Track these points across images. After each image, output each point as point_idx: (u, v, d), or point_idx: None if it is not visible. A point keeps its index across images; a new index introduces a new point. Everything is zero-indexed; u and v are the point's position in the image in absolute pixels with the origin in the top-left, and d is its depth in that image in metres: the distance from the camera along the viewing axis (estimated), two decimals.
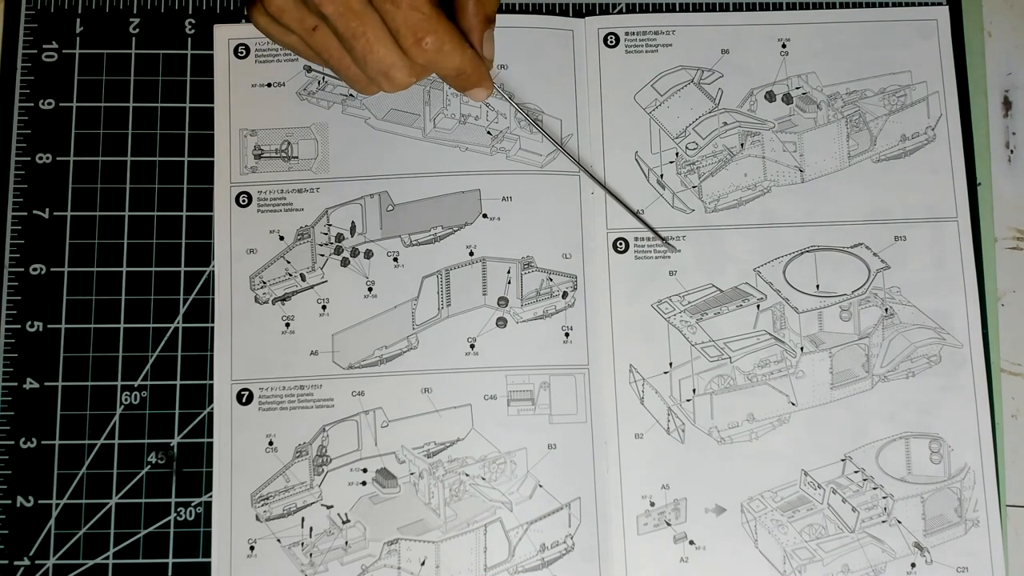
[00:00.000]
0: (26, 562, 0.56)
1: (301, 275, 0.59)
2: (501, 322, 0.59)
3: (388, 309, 0.59)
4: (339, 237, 0.59)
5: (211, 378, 0.58)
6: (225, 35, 0.61)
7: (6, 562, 0.56)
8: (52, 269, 0.59)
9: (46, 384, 0.58)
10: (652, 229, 0.59)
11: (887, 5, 0.62)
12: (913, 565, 0.57)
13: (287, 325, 0.58)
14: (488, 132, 0.60)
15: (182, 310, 0.59)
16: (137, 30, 0.61)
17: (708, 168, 0.61)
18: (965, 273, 0.60)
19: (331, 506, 0.57)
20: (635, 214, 0.59)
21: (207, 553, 0.57)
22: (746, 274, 0.60)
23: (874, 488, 0.58)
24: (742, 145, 0.61)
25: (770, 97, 0.61)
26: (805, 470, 0.58)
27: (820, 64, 0.62)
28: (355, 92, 0.58)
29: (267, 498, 0.57)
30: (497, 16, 0.55)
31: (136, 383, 0.58)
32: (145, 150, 0.60)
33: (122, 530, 0.57)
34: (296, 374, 0.58)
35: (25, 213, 0.59)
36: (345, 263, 0.59)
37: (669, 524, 0.57)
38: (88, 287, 0.59)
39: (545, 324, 0.59)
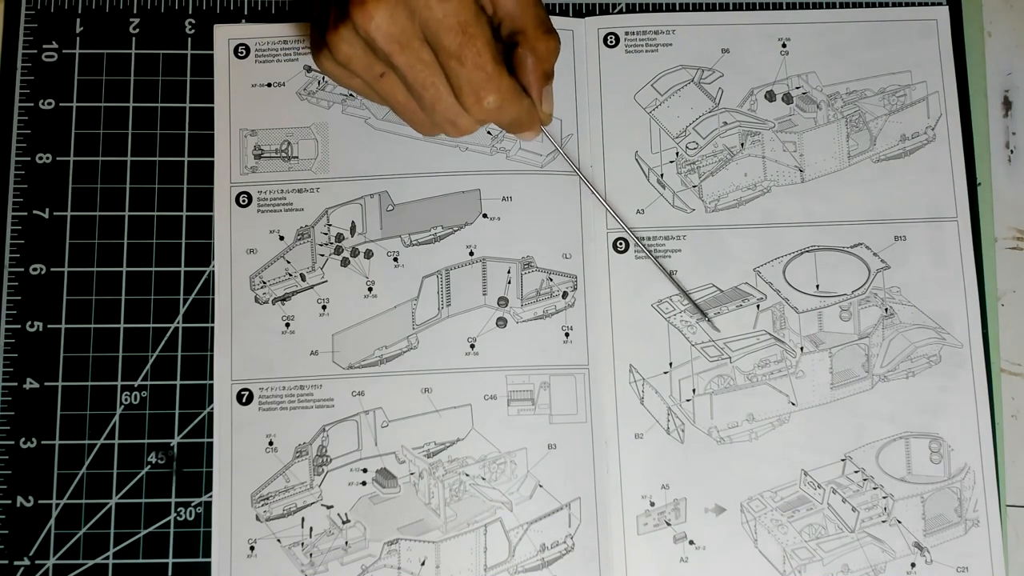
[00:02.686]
0: (26, 562, 0.56)
1: (301, 275, 0.59)
2: (501, 322, 0.59)
3: (388, 309, 0.59)
4: (339, 237, 0.59)
5: (211, 378, 0.58)
6: (225, 35, 0.61)
7: (6, 562, 0.56)
8: (52, 269, 0.59)
9: (46, 384, 0.58)
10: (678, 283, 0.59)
11: (887, 5, 0.62)
12: (913, 565, 0.57)
13: (287, 325, 0.58)
14: (488, 132, 0.60)
15: (182, 310, 0.59)
16: (137, 30, 0.61)
17: (708, 168, 0.61)
18: (965, 273, 0.60)
19: (331, 506, 0.57)
20: (666, 272, 0.59)
21: (207, 553, 0.57)
22: (746, 274, 0.60)
23: (874, 488, 0.58)
24: (742, 145, 0.61)
25: (770, 97, 0.61)
26: (805, 470, 0.58)
27: (820, 64, 0.62)
28: (413, 128, 0.57)
29: (267, 498, 0.57)
30: None
31: (136, 383, 0.58)
32: (145, 150, 0.60)
33: (122, 530, 0.57)
34: (296, 374, 0.58)
35: (25, 213, 0.59)
36: (345, 263, 0.59)
37: (669, 524, 0.57)
38: (88, 287, 0.59)
39: (545, 324, 0.59)
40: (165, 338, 0.58)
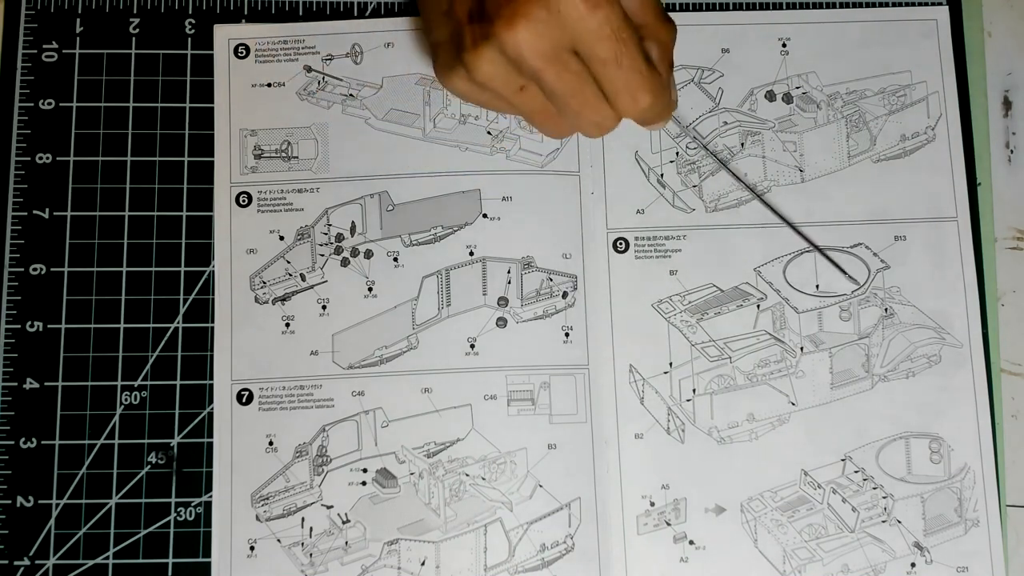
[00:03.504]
0: (26, 562, 0.56)
1: (301, 275, 0.59)
2: (501, 322, 0.59)
3: (388, 309, 0.59)
4: (339, 237, 0.59)
5: (211, 378, 0.58)
6: (225, 35, 0.61)
7: (6, 562, 0.56)
8: (52, 269, 0.59)
9: (46, 384, 0.58)
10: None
11: (887, 5, 0.62)
12: (913, 565, 0.57)
13: (287, 325, 0.58)
14: (488, 132, 0.60)
15: (182, 310, 0.59)
16: (137, 30, 0.61)
17: (708, 167, 0.61)
18: (965, 273, 0.60)
19: (331, 506, 0.57)
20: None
21: (207, 553, 0.57)
22: (746, 274, 0.60)
23: (874, 488, 0.58)
24: (742, 145, 0.61)
25: (770, 97, 0.61)
26: (805, 470, 0.58)
27: (820, 64, 0.62)
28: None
29: (267, 498, 0.57)
30: None
31: (136, 383, 0.58)
32: (145, 150, 0.60)
33: (122, 530, 0.57)
34: (296, 374, 0.58)
35: (25, 213, 0.59)
36: (345, 263, 0.59)
37: (669, 524, 0.57)
38: (88, 287, 0.59)
39: (545, 324, 0.59)
40: (165, 338, 0.58)
